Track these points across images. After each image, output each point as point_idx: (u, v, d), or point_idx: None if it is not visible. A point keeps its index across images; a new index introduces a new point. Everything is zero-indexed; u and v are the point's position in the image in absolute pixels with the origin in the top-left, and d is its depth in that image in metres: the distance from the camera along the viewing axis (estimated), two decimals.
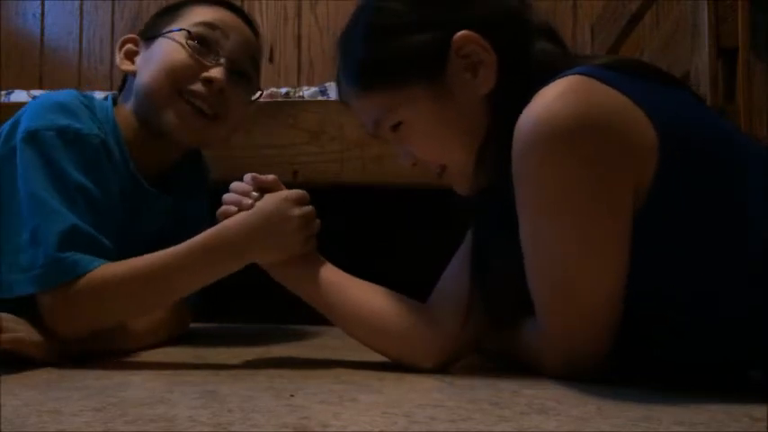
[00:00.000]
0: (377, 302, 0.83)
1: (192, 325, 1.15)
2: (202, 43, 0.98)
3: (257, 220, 0.83)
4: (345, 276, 0.85)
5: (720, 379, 0.70)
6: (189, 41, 0.98)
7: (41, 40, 2.35)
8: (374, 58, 0.78)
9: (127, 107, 1.02)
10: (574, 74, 0.68)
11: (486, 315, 0.80)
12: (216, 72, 0.97)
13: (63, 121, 0.89)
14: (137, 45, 1.04)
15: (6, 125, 0.93)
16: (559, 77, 0.68)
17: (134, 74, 1.02)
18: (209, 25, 0.99)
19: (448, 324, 0.80)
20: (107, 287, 0.82)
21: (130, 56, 1.04)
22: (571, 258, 0.68)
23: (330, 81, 1.49)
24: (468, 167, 0.79)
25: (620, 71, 0.70)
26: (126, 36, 1.06)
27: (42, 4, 2.36)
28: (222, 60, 0.99)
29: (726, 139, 0.70)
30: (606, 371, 0.70)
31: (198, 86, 0.97)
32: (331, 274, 0.85)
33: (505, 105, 0.75)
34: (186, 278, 0.85)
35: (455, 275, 0.84)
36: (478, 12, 0.77)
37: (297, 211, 0.84)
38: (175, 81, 0.97)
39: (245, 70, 1.02)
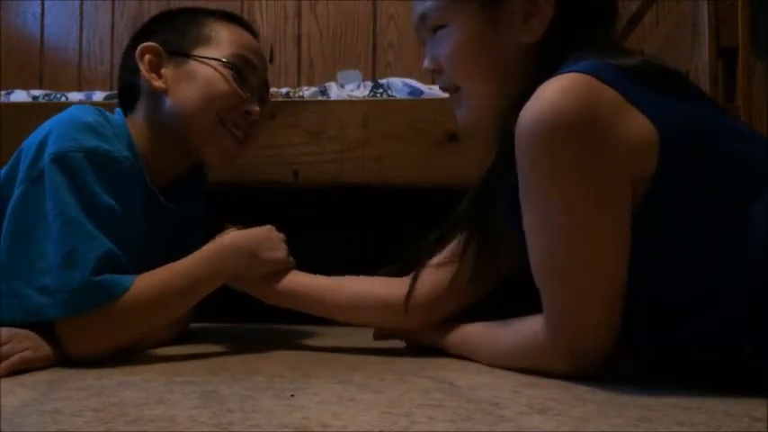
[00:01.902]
0: (363, 286, 0.96)
1: (192, 325, 1.15)
2: (240, 76, 1.02)
3: (253, 231, 1.00)
4: (332, 278, 0.98)
5: (720, 378, 0.70)
6: (231, 73, 1.01)
7: (41, 40, 2.35)
8: None
9: (138, 118, 1.03)
10: (576, 71, 0.69)
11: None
12: (255, 106, 1.04)
13: (92, 142, 0.89)
14: (158, 56, 1.02)
15: (32, 144, 0.90)
16: (561, 73, 0.69)
17: (164, 91, 1.01)
18: (243, 58, 1.03)
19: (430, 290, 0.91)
20: (142, 303, 0.86)
21: (155, 68, 1.02)
22: (572, 248, 0.68)
23: (330, 81, 1.49)
24: (479, 97, 0.84)
25: (624, 71, 0.70)
26: (146, 45, 1.01)
27: (42, 4, 2.36)
28: (256, 94, 1.05)
29: (729, 138, 0.70)
30: (610, 368, 0.70)
31: (237, 117, 1.03)
32: (320, 279, 0.98)
33: (539, 66, 0.77)
34: (206, 283, 0.93)
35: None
36: None
37: (276, 233, 1.02)
38: (220, 111, 1.01)
39: (264, 97, 1.09)
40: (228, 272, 0.95)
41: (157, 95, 1.01)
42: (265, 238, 0.99)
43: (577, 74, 0.68)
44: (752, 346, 0.67)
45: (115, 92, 1.48)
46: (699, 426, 0.52)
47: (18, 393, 0.64)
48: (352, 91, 1.38)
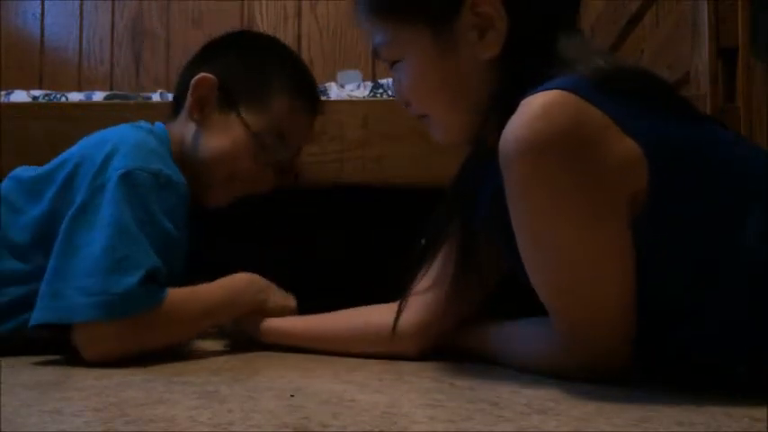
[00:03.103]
0: (355, 318, 0.94)
1: None
2: (264, 149, 1.06)
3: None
4: (325, 315, 0.97)
5: (721, 380, 0.70)
6: (258, 147, 1.05)
7: (41, 40, 2.35)
8: None
9: (177, 129, 1.07)
10: (555, 87, 0.67)
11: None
12: (266, 180, 1.09)
13: (156, 165, 0.92)
14: (211, 92, 1.05)
15: (93, 158, 0.92)
16: (537, 90, 0.67)
17: (199, 125, 1.05)
18: (280, 137, 1.07)
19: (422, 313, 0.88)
20: (171, 318, 0.87)
21: (201, 102, 1.05)
22: (576, 264, 0.67)
23: (330, 81, 1.49)
24: (448, 123, 0.83)
25: (604, 87, 0.68)
26: (204, 77, 1.05)
27: (42, 4, 2.36)
28: (276, 167, 1.09)
29: (720, 145, 0.70)
30: (629, 371, 0.70)
31: (246, 181, 1.07)
32: (313, 318, 0.98)
33: (506, 78, 0.76)
34: (225, 309, 0.97)
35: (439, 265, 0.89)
36: None
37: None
38: (232, 174, 1.06)
39: (290, 165, 1.14)
40: (245, 303, 0.98)
41: (185, 117, 1.07)
42: (278, 287, 1.03)
43: (558, 91, 0.66)
44: (751, 349, 0.67)
45: (115, 92, 1.48)
46: (699, 426, 0.52)
47: (18, 393, 0.64)
48: (352, 91, 1.38)
